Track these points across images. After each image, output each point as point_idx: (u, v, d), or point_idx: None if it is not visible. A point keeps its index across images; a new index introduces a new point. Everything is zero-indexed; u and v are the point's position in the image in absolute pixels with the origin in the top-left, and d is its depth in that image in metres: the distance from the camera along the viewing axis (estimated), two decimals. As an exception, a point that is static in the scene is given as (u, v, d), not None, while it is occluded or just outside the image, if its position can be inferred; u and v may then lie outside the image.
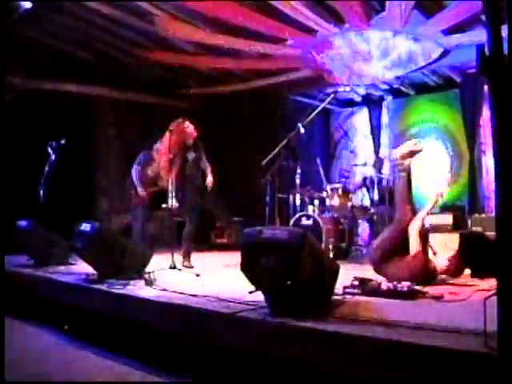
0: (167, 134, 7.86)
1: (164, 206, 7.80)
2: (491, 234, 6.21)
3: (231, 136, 11.97)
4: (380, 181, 9.86)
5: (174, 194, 7.74)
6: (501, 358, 2.84)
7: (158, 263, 7.28)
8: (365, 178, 10.16)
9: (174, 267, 7.53)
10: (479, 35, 7.22)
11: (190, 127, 8.07)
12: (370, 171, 10.23)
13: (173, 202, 7.74)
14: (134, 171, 8.43)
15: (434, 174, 11.13)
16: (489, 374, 2.95)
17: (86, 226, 6.79)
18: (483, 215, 8.59)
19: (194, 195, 8.19)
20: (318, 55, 9.00)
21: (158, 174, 8.32)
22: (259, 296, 4.66)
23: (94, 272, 6.72)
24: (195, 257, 8.44)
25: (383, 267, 6.24)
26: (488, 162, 10.30)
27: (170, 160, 7.80)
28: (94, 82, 10.82)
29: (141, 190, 8.32)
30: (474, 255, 6.51)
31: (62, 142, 8.63)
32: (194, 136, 8.10)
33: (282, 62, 9.99)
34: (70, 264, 7.98)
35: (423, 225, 6.33)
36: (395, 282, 5.28)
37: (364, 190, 10.18)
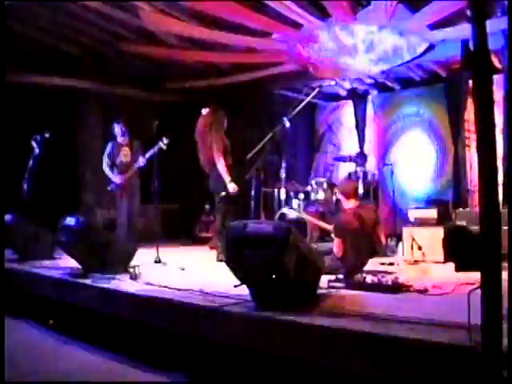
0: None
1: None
2: (475, 228, 6.25)
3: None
4: (365, 175, 9.88)
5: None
6: (484, 351, 2.87)
7: (143, 257, 7.29)
8: (350, 174, 10.18)
9: (159, 261, 7.54)
10: (464, 30, 7.24)
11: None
12: (354, 166, 10.24)
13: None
14: (103, 162, 8.51)
15: (418, 169, 11.17)
16: (473, 366, 2.98)
17: (70, 220, 6.78)
18: (467, 209, 8.62)
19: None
20: (304, 49, 9.00)
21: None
22: (244, 290, 4.68)
23: (79, 266, 6.71)
24: (180, 251, 8.45)
25: None
26: (472, 156, 10.33)
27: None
28: (78, 76, 10.76)
29: (113, 177, 8.35)
30: (459, 249, 6.56)
31: (46, 135, 8.60)
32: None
33: (267, 56, 9.98)
34: (55, 258, 7.95)
35: None
36: (380, 276, 5.32)
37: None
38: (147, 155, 8.28)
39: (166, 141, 8.01)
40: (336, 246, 6.35)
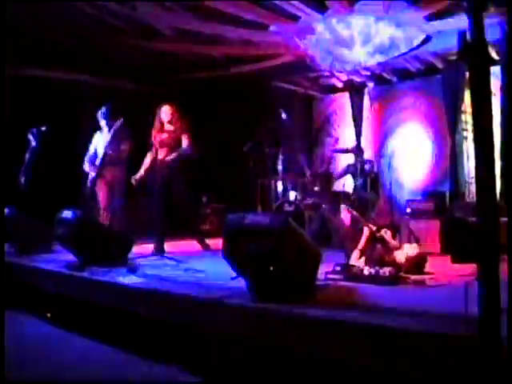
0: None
1: None
2: (473, 219, 6.26)
3: (212, 123, 11.93)
4: (363, 167, 9.88)
5: None
6: (481, 342, 2.88)
7: (141, 250, 7.30)
8: (348, 166, 10.18)
9: (157, 254, 7.55)
10: (461, 22, 7.23)
11: (165, 107, 8.07)
12: (352, 158, 10.24)
13: None
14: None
15: (415, 160, 11.19)
16: (471, 357, 2.98)
17: (67, 214, 6.77)
18: (465, 201, 8.63)
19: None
20: (301, 41, 8.99)
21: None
22: (242, 282, 4.68)
23: (76, 259, 6.71)
24: (178, 243, 8.45)
25: None
26: (469, 147, 10.34)
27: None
28: (76, 69, 10.73)
29: (89, 169, 8.33)
30: (456, 241, 6.57)
31: (44, 128, 8.57)
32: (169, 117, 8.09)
33: (264, 48, 9.97)
34: (53, 252, 7.95)
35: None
36: (377, 268, 5.32)
37: (348, 176, 10.18)
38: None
39: None
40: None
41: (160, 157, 7.96)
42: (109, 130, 8.31)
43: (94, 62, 10.83)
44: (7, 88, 7.79)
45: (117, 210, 8.42)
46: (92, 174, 8.31)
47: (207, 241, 8.61)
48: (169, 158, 7.87)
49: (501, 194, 7.97)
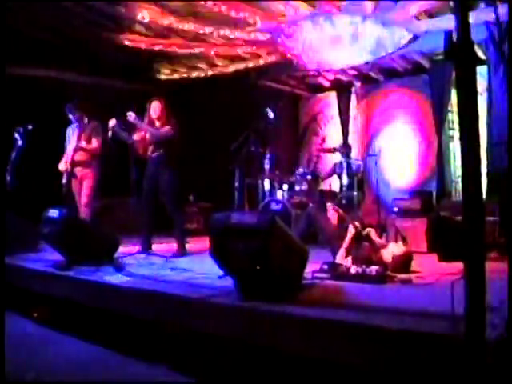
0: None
1: None
2: (459, 218, 6.29)
3: (199, 122, 11.91)
4: (349, 167, 9.89)
5: None
6: (468, 341, 2.90)
7: (128, 249, 7.28)
8: (335, 165, 10.19)
9: (144, 252, 7.53)
10: (448, 21, 7.26)
11: (154, 103, 8.01)
12: (339, 157, 10.25)
13: None
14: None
15: (402, 159, 11.23)
16: (457, 356, 3.00)
17: (53, 212, 6.75)
18: (451, 200, 8.67)
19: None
20: (287, 40, 8.99)
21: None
22: (229, 281, 4.69)
23: (63, 258, 6.69)
24: (165, 242, 8.44)
25: None
26: (456, 147, 10.41)
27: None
28: (62, 67, 10.70)
29: (62, 167, 8.31)
30: (442, 239, 6.59)
31: (30, 127, 8.53)
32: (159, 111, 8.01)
33: (251, 47, 9.97)
34: (40, 251, 7.92)
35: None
36: (364, 266, 5.33)
37: (335, 176, 10.20)
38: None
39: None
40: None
41: (149, 153, 7.90)
42: (77, 126, 8.32)
43: (82, 60, 10.81)
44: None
45: (90, 208, 8.37)
46: (65, 172, 8.30)
47: (193, 240, 8.59)
48: (154, 153, 7.83)
49: (487, 192, 8.06)
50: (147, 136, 7.87)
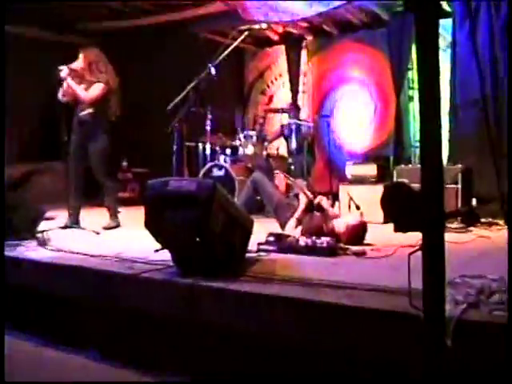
0: None
1: None
2: (417, 185, 6.36)
3: (133, 77, 11.76)
4: (298, 129, 9.90)
5: None
6: (426, 318, 2.94)
7: (53, 221, 7.19)
8: (282, 126, 10.20)
9: (71, 226, 7.45)
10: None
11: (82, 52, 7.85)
12: (287, 119, 10.26)
13: None
14: None
15: (357, 121, 11.28)
16: (414, 333, 3.04)
17: (-31, 178, 6.62)
18: (410, 166, 8.75)
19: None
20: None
21: None
22: (166, 255, 4.67)
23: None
24: (94, 213, 8.36)
25: None
26: (416, 108, 10.45)
27: None
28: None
29: None
30: (398, 208, 6.66)
31: None
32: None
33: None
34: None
35: None
36: (314, 238, 5.36)
37: (282, 140, 10.21)
38: None
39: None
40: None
41: (77, 110, 7.76)
42: None
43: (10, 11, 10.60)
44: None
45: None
46: None
47: (126, 209, 8.54)
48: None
49: (448, 157, 8.16)
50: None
